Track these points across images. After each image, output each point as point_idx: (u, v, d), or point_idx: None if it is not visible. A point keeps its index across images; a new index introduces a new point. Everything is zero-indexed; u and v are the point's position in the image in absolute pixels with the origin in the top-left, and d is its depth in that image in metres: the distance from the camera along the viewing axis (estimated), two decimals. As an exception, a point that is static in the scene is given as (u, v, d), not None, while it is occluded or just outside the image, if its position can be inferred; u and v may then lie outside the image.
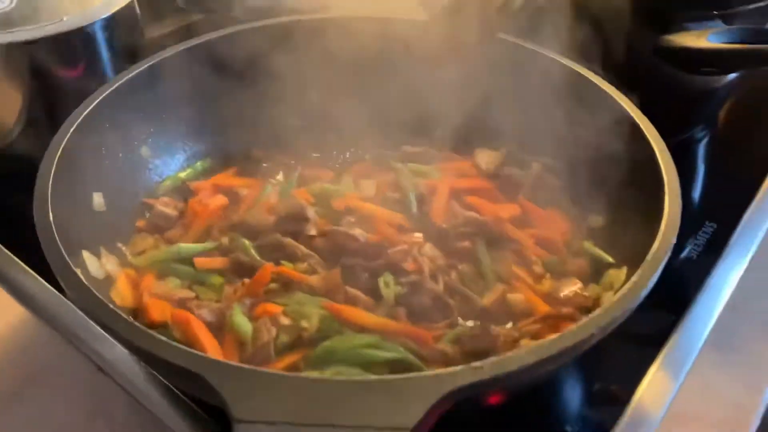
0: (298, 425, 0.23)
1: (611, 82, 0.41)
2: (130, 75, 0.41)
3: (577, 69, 0.42)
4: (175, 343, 0.26)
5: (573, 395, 0.38)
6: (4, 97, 0.46)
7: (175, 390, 0.32)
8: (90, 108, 0.39)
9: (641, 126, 0.38)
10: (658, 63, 0.46)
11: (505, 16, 0.42)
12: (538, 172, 0.44)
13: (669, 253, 0.31)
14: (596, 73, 0.42)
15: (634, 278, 0.30)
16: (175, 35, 0.59)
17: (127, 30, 0.48)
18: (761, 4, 0.45)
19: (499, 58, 0.43)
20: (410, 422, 0.23)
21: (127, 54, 0.48)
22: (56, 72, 0.46)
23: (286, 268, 0.37)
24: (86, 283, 0.29)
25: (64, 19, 0.45)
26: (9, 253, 0.40)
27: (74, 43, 0.46)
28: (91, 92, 0.40)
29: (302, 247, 0.38)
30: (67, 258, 0.30)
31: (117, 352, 0.33)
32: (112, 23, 0.47)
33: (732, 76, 0.52)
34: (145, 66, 0.42)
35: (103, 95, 0.40)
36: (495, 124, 0.44)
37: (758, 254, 0.44)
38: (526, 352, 0.26)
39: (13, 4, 0.45)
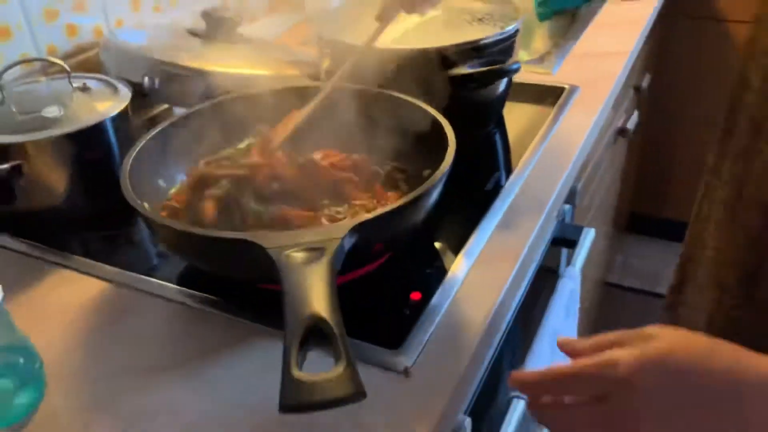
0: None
1: (428, 103, 0.73)
2: (146, 138, 0.69)
3: (410, 99, 0.74)
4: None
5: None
6: (53, 172, 0.73)
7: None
8: (136, 150, 0.66)
9: (441, 121, 0.70)
10: (456, 88, 0.79)
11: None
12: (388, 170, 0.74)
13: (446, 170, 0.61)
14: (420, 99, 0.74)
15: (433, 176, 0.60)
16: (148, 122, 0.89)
17: (127, 121, 0.77)
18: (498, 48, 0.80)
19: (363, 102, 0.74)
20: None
21: (127, 135, 0.76)
22: (86, 154, 0.74)
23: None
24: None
25: (87, 118, 0.73)
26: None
27: (96, 132, 0.74)
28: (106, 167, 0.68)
29: None
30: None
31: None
32: (117, 118, 0.75)
33: (501, 90, 0.87)
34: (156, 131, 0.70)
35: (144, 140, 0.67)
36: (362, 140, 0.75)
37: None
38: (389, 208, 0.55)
39: (61, 113, 0.73)
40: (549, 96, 0.96)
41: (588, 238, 0.97)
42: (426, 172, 0.66)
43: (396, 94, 0.72)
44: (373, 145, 0.70)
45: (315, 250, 0.48)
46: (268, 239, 0.49)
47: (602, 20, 1.25)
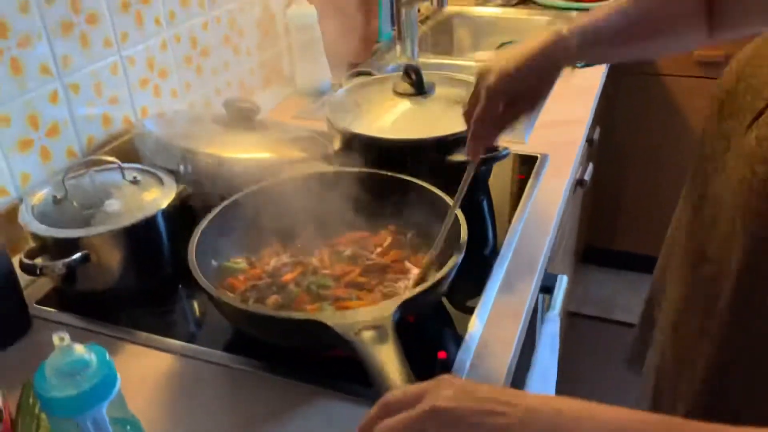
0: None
1: (432, 184, 0.87)
2: (205, 221, 0.81)
3: (416, 182, 0.87)
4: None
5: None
6: (113, 259, 0.83)
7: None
8: (197, 235, 0.77)
9: (444, 198, 0.84)
10: (454, 169, 0.93)
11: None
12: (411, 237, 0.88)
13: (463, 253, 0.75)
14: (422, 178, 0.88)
15: (449, 263, 0.74)
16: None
17: (173, 209, 0.88)
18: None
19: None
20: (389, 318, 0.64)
21: (173, 221, 0.87)
22: (141, 242, 0.85)
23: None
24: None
25: (143, 210, 0.84)
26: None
27: (151, 223, 0.84)
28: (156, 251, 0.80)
29: None
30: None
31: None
32: (167, 208, 0.86)
33: (483, 169, 1.02)
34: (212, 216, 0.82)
35: (203, 226, 0.79)
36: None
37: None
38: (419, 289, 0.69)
39: (120, 207, 0.83)
40: (525, 164, 1.12)
41: (563, 284, 1.12)
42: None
43: (411, 179, 0.85)
44: (394, 219, 0.84)
45: (377, 328, 0.61)
46: (332, 319, 0.62)
47: (559, 89, 1.42)
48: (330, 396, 0.69)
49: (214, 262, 0.81)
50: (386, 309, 0.64)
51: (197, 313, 0.85)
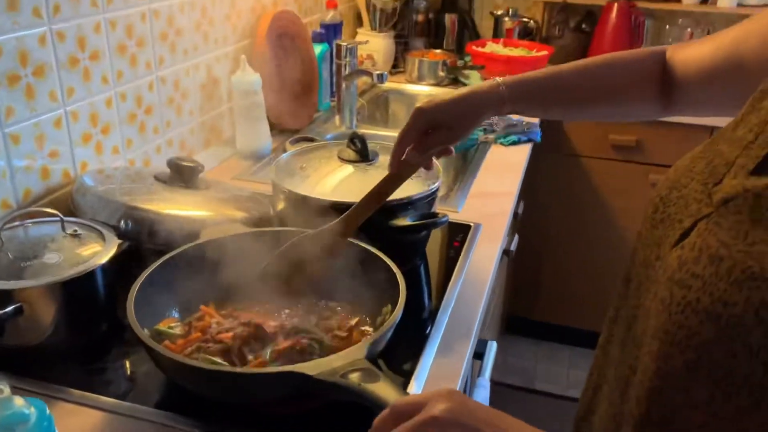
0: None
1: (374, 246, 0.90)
2: (144, 275, 0.80)
3: (358, 243, 0.90)
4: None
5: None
6: (47, 313, 0.80)
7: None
8: (137, 286, 0.76)
9: (388, 263, 0.87)
10: (392, 234, 0.97)
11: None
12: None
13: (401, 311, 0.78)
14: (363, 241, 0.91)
15: (390, 320, 0.76)
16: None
17: (113, 265, 0.87)
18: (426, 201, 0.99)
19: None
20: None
21: (110, 277, 0.86)
22: (78, 296, 0.83)
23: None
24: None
25: (83, 264, 0.82)
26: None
27: (89, 277, 0.83)
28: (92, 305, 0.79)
29: None
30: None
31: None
32: (107, 263, 0.85)
33: (423, 234, 1.06)
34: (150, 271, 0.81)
35: (140, 281, 0.78)
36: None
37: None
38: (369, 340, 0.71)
39: (60, 259, 0.82)
40: (459, 232, 1.17)
41: (492, 350, 1.16)
42: (386, 308, 0.83)
43: (355, 241, 0.88)
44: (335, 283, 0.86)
45: (362, 370, 0.64)
46: (311, 369, 0.63)
47: (489, 163, 1.51)
48: (271, 455, 0.69)
49: (152, 318, 0.80)
50: (358, 351, 0.67)
51: (131, 369, 0.83)
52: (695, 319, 0.47)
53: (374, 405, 0.60)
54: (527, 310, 2.42)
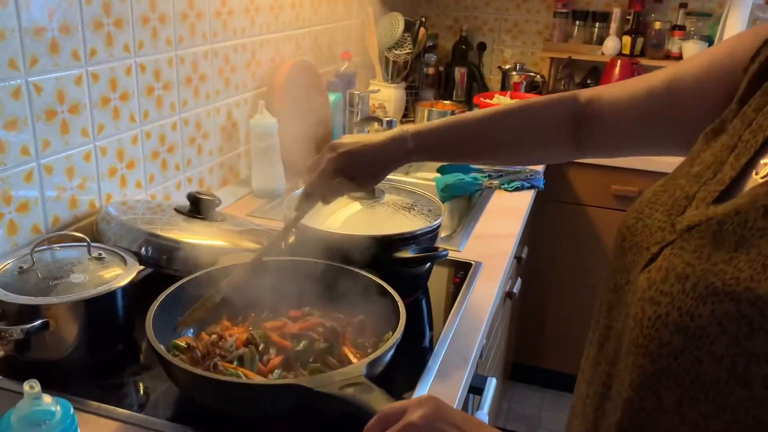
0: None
1: (379, 278, 0.96)
2: (164, 295, 0.86)
3: (364, 273, 0.96)
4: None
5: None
6: (70, 329, 0.86)
7: None
8: (154, 309, 0.82)
9: (391, 292, 0.92)
10: (395, 266, 1.03)
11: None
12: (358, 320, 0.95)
13: (401, 332, 0.84)
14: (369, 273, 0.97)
15: (389, 341, 0.81)
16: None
17: (133, 286, 0.93)
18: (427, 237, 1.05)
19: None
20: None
21: (130, 298, 0.92)
22: (100, 314, 0.89)
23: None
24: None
25: (105, 284, 0.89)
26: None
27: (111, 297, 0.89)
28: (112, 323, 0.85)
29: None
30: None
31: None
32: (128, 285, 0.91)
33: (428, 266, 1.12)
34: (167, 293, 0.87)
35: (157, 304, 0.84)
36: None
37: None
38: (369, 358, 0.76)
39: (85, 279, 0.88)
40: (460, 269, 1.22)
41: (491, 386, 1.19)
42: (387, 334, 0.88)
43: (357, 270, 0.94)
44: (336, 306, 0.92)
45: (359, 384, 0.69)
46: (312, 382, 0.68)
47: (492, 207, 1.58)
48: (274, 465, 0.73)
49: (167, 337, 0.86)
50: (358, 368, 0.72)
51: (145, 386, 0.88)
52: (665, 331, 0.52)
53: (367, 414, 0.65)
54: (532, 357, 2.44)
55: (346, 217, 1.11)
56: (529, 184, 1.70)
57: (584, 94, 0.84)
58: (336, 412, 0.72)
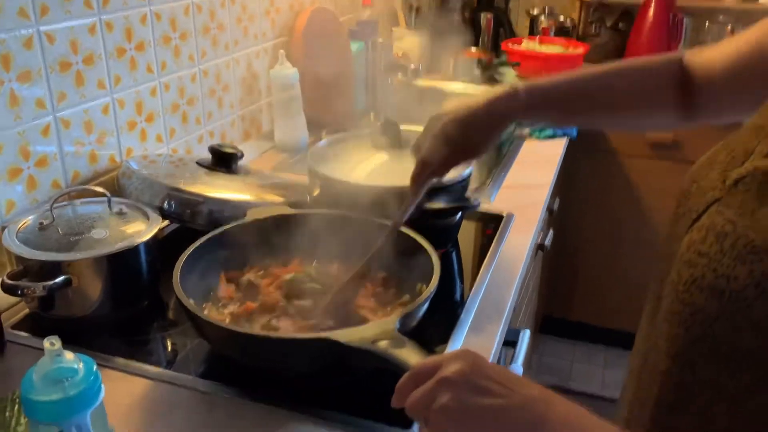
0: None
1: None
2: (191, 249, 0.83)
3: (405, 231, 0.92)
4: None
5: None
6: (93, 285, 0.84)
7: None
8: (182, 263, 0.79)
9: (423, 243, 0.88)
10: (426, 217, 0.99)
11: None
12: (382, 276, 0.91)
13: (436, 285, 0.80)
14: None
15: (424, 294, 0.78)
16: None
17: (155, 242, 0.90)
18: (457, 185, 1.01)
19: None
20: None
21: (153, 254, 0.90)
22: (123, 270, 0.86)
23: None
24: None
25: (127, 240, 0.86)
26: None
27: (134, 253, 0.86)
28: (135, 280, 0.82)
29: None
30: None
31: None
32: (150, 240, 0.88)
33: (459, 218, 1.08)
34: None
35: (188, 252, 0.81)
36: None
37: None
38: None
39: (107, 235, 0.86)
40: (491, 222, 1.18)
41: (525, 337, 1.16)
42: (419, 286, 0.84)
43: (387, 222, 0.89)
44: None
45: (391, 338, 0.65)
46: (343, 336, 0.65)
47: (524, 157, 1.52)
48: (309, 423, 0.71)
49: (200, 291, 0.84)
50: (390, 322, 0.69)
51: (173, 342, 0.86)
52: (700, 296, 0.48)
53: (399, 369, 0.62)
54: (563, 310, 2.40)
55: (372, 168, 1.06)
56: (561, 132, 1.63)
57: (689, 54, 0.77)
58: (367, 367, 0.69)
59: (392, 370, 0.63)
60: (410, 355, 0.62)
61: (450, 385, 0.50)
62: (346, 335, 0.67)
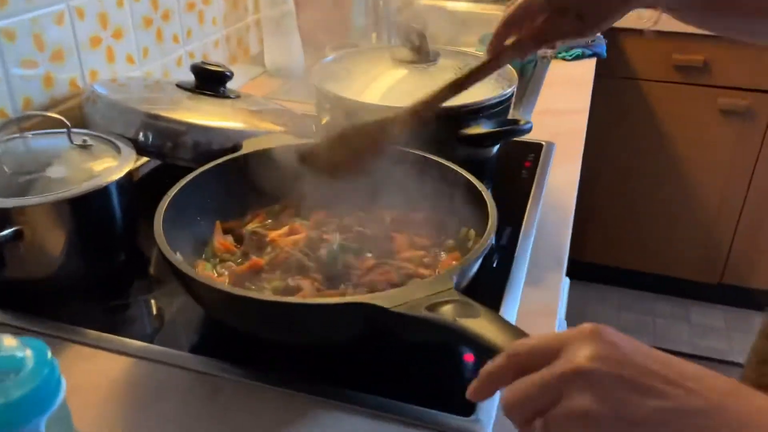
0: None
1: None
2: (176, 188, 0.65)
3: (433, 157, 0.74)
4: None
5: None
6: (53, 238, 0.66)
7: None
8: (164, 208, 0.61)
9: (468, 177, 0.71)
10: (462, 145, 0.81)
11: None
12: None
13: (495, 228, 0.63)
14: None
15: (482, 241, 0.61)
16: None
17: (130, 182, 0.72)
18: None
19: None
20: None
21: (129, 195, 0.71)
22: (90, 218, 0.68)
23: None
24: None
25: (93, 179, 0.68)
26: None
27: (103, 195, 0.68)
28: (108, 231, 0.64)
29: None
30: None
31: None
32: (123, 179, 0.70)
33: (496, 148, 0.90)
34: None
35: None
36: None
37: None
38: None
39: (65, 173, 0.67)
40: (530, 152, 1.00)
41: (565, 288, 1.01)
42: (464, 230, 0.67)
43: (433, 157, 0.71)
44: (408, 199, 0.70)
45: (454, 302, 0.49)
46: (386, 301, 0.48)
47: (552, 79, 1.33)
48: (337, 410, 0.55)
49: (189, 240, 0.66)
50: (446, 280, 0.51)
51: (158, 306, 0.69)
52: None
53: (477, 346, 0.45)
54: (574, 250, 2.25)
55: (390, 86, 0.88)
56: (591, 52, 1.44)
57: None
58: (417, 340, 0.52)
59: (450, 345, 0.47)
60: (490, 329, 0.45)
61: (588, 380, 0.33)
62: (390, 298, 0.50)
